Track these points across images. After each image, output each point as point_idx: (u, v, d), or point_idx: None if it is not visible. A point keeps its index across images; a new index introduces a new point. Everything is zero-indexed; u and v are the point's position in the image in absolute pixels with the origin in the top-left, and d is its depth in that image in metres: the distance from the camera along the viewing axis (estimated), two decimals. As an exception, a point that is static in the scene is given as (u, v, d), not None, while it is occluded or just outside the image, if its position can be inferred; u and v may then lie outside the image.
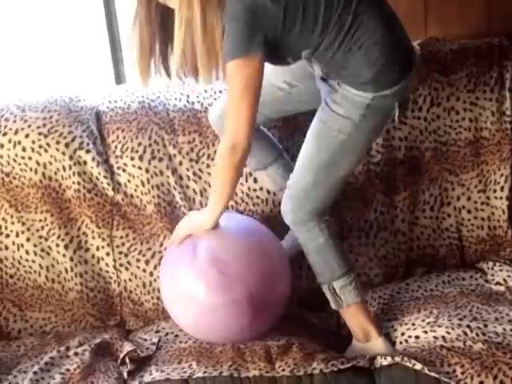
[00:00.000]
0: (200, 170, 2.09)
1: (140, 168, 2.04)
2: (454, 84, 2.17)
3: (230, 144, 1.68)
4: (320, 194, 1.82)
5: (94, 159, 2.03)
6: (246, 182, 2.09)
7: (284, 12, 1.61)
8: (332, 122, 1.75)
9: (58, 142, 2.01)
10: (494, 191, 2.18)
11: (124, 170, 2.05)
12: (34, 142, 2.01)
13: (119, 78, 2.39)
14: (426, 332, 1.82)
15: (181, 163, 2.08)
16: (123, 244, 2.06)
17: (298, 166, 1.84)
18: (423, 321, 1.86)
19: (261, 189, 2.10)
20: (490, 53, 2.21)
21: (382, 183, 2.15)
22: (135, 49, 1.76)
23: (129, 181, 2.05)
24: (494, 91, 2.18)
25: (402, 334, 1.86)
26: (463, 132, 2.18)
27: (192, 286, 1.79)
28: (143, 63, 1.77)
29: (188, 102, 2.15)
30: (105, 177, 2.03)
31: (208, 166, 2.08)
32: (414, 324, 1.87)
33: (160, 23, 1.74)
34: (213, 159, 2.06)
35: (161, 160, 2.06)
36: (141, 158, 2.05)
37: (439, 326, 1.82)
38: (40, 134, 2.02)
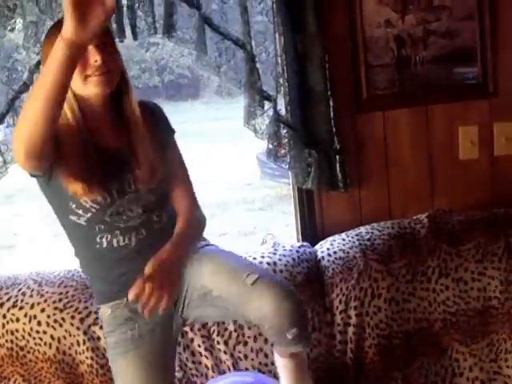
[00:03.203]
0: (211, 346, 2.09)
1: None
2: (462, 255, 2.21)
3: None
4: None
5: (106, 335, 2.06)
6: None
7: None
8: None
9: (72, 317, 2.04)
10: (506, 360, 2.18)
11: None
12: (49, 317, 2.04)
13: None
14: None
15: (192, 340, 2.08)
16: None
17: None
18: None
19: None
20: (496, 223, 2.27)
21: (393, 359, 2.15)
22: None
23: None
24: (501, 261, 2.21)
25: None
26: (472, 302, 2.19)
27: None
28: None
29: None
30: (117, 354, 2.05)
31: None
32: None
33: None
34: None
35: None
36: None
37: None
38: (56, 308, 2.05)
